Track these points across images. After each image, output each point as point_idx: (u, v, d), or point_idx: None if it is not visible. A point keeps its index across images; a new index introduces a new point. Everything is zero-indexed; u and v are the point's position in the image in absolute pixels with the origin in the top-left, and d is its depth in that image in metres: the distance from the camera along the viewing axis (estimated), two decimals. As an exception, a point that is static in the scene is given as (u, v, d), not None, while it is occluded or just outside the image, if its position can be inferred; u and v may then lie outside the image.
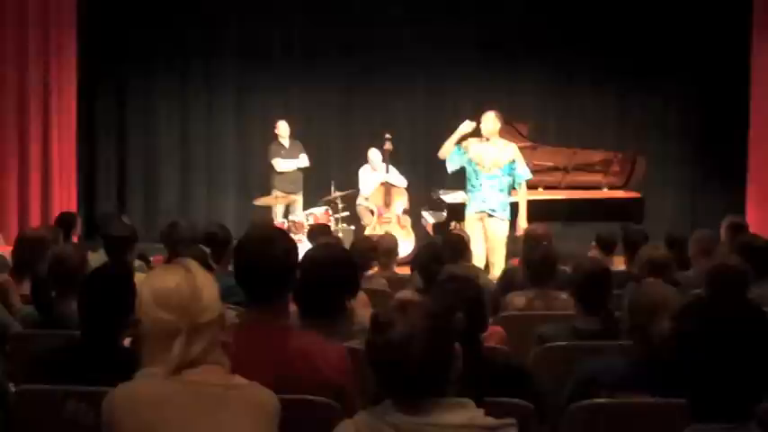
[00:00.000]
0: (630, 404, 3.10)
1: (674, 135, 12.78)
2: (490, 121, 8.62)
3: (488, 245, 8.45)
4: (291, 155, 11.32)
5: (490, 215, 8.51)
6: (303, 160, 11.36)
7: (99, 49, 12.18)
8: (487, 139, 8.62)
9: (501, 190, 8.57)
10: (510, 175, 8.60)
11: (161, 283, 2.42)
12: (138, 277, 3.34)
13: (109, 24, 12.32)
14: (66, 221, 7.60)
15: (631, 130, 12.50)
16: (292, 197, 11.26)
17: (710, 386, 2.07)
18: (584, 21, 12.29)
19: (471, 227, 8.51)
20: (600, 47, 12.31)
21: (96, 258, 5.60)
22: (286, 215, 11.13)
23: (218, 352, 2.42)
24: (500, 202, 8.55)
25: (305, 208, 11.22)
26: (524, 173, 8.66)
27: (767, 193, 11.33)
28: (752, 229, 8.05)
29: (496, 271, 7.96)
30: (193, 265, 2.48)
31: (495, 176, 8.56)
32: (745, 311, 2.13)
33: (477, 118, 8.76)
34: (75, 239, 7.59)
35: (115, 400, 2.37)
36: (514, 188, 8.72)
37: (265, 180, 11.54)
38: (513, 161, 8.61)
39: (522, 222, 8.50)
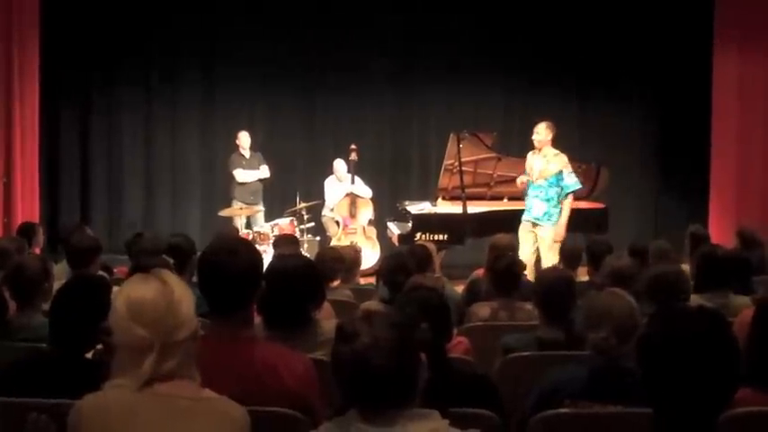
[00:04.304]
0: (594, 414, 3.11)
1: (636, 145, 12.89)
2: (542, 131, 8.99)
3: (539, 251, 8.83)
4: (252, 166, 11.29)
5: (535, 224, 8.93)
6: (264, 171, 11.33)
7: (62, 60, 12.08)
8: (539, 150, 8.99)
9: (547, 200, 8.92)
10: (558, 185, 8.92)
11: (137, 295, 2.36)
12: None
13: (72, 35, 12.23)
14: (27, 232, 7.53)
15: (594, 141, 12.57)
16: (257, 208, 11.23)
17: (675, 396, 2.09)
18: (548, 33, 12.37)
19: (522, 233, 8.91)
20: (563, 58, 12.40)
21: (60, 269, 5.54)
22: (248, 226, 11.09)
23: (191, 366, 2.39)
24: (544, 212, 8.92)
25: (270, 219, 11.19)
26: (571, 184, 8.97)
27: (729, 202, 11.46)
28: (714, 238, 8.15)
29: None
30: (172, 278, 2.43)
31: (541, 187, 8.95)
32: (707, 320, 2.15)
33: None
34: (37, 250, 7.51)
35: (82, 410, 2.35)
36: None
37: (227, 191, 11.49)
38: (561, 172, 8.93)
39: (560, 229, 8.85)
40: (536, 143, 9.05)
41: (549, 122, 9.07)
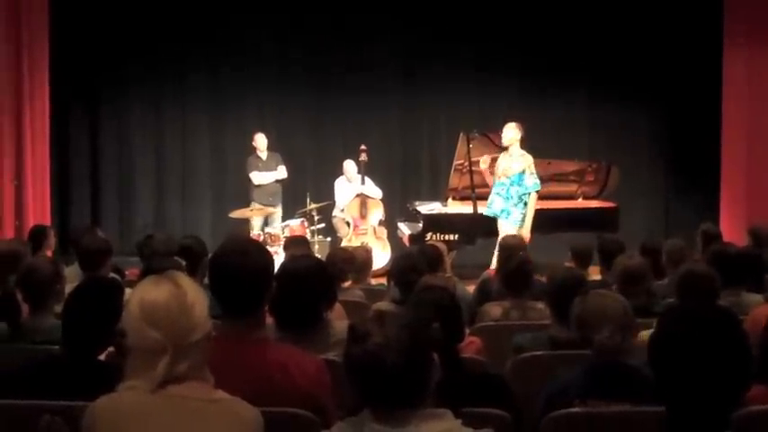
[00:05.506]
0: (605, 414, 3.11)
1: (646, 144, 12.85)
2: (510, 130, 9.23)
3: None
4: (269, 167, 11.30)
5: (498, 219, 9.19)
6: (281, 172, 11.34)
7: (72, 62, 12.13)
8: (506, 149, 9.23)
9: (506, 198, 9.15)
10: (519, 184, 9.12)
11: (150, 297, 2.36)
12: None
13: (82, 37, 12.27)
14: (38, 235, 7.53)
15: (604, 140, 12.55)
16: (270, 209, 11.21)
17: (687, 394, 2.08)
18: (556, 32, 12.35)
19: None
20: (571, 57, 12.37)
21: (71, 272, 5.55)
22: (264, 227, 11.09)
23: (204, 368, 2.39)
24: (502, 209, 9.16)
25: (282, 220, 11.20)
26: (530, 185, 9.12)
27: (739, 199, 11.42)
28: (725, 236, 8.11)
29: None
30: (185, 280, 2.43)
31: (503, 185, 9.18)
32: (719, 318, 2.14)
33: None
34: (49, 253, 7.52)
35: (96, 411, 2.35)
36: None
37: (244, 193, 11.51)
38: (523, 172, 9.11)
39: (524, 232, 8.99)
40: (504, 142, 9.24)
41: (518, 123, 9.28)
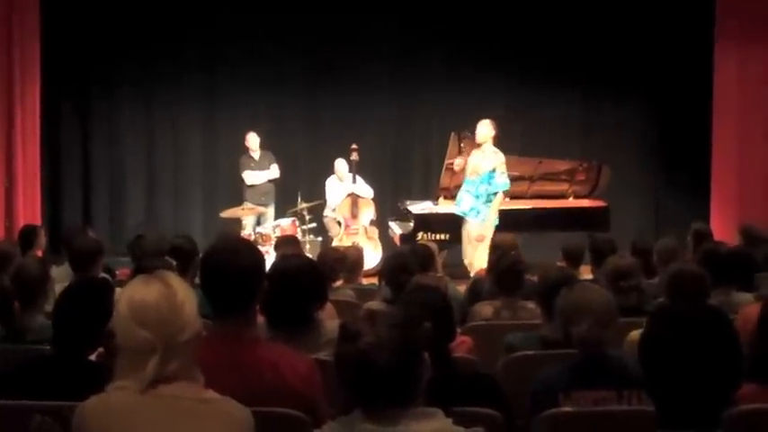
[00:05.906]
0: (597, 412, 3.11)
1: (637, 143, 12.85)
2: (484, 127, 9.13)
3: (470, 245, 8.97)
4: (261, 166, 11.28)
5: (464, 218, 9.09)
6: (273, 171, 11.32)
7: (63, 62, 12.09)
8: (479, 146, 9.12)
9: (476, 196, 9.03)
10: (488, 183, 9.01)
11: (139, 297, 2.35)
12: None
13: (73, 36, 12.23)
14: (28, 235, 7.52)
15: (595, 140, 12.55)
16: (261, 209, 11.19)
17: (678, 393, 2.08)
18: (548, 32, 12.35)
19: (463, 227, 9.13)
20: (563, 57, 12.36)
21: (62, 272, 5.54)
22: (256, 227, 11.06)
23: (194, 368, 2.39)
24: (471, 207, 9.04)
25: (274, 220, 11.18)
26: (500, 184, 9.05)
27: (730, 199, 11.43)
28: (716, 235, 8.14)
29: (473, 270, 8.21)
30: (174, 279, 2.43)
31: (472, 182, 9.07)
32: (710, 317, 2.15)
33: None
34: (39, 253, 7.50)
35: (86, 411, 2.35)
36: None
37: (235, 192, 11.49)
38: (494, 170, 9.00)
39: (487, 229, 8.93)
40: (478, 138, 9.16)
41: (491, 120, 9.22)
